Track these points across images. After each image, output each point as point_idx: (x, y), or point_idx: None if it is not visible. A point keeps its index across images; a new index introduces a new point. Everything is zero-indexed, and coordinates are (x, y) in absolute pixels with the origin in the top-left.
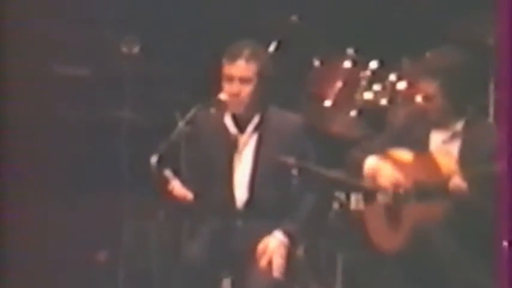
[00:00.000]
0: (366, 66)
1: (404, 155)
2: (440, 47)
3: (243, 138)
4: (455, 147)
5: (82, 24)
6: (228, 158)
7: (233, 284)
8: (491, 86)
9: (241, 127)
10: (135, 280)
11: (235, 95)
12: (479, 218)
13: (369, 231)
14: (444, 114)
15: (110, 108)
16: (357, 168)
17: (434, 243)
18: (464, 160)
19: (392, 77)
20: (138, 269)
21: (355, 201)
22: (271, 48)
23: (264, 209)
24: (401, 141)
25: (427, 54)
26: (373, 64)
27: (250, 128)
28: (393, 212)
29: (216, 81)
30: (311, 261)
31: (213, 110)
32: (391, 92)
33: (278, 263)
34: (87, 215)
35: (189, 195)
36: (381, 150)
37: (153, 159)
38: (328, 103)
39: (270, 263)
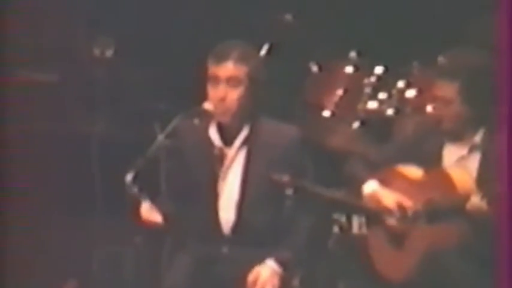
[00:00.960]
0: (370, 72)
1: (414, 171)
2: (457, 48)
3: (230, 153)
4: (473, 162)
5: (50, 24)
6: (213, 175)
7: None
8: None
9: (228, 140)
10: None
11: (221, 100)
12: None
13: (372, 258)
14: (461, 122)
15: (80, 119)
16: (359, 187)
17: (448, 270)
18: (484, 177)
19: (400, 83)
20: None
21: (358, 224)
22: (263, 51)
23: (254, 234)
24: (409, 156)
25: (443, 55)
26: (379, 69)
27: (238, 140)
28: (400, 236)
29: (200, 88)
30: None
31: (196, 121)
32: (398, 100)
33: None
34: (54, 240)
35: (157, 218)
36: (387, 167)
37: (129, 177)
38: (327, 113)
39: None
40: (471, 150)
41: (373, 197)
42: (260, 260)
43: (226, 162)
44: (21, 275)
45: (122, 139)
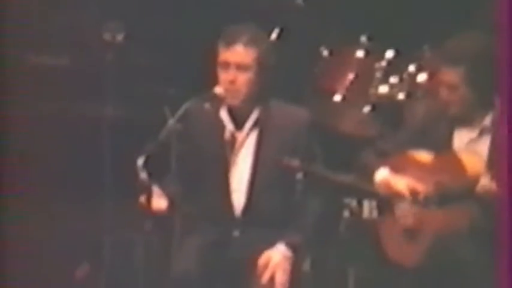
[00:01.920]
0: (381, 56)
1: (424, 156)
2: (464, 32)
3: (240, 136)
4: (484, 145)
5: (59, 8)
6: (224, 158)
7: None
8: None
9: (239, 123)
10: None
11: (231, 83)
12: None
13: (383, 243)
14: (470, 107)
15: (91, 103)
16: (370, 172)
17: (460, 254)
18: (495, 159)
19: (411, 67)
20: (121, 285)
21: (368, 209)
22: (274, 35)
23: (265, 218)
24: (420, 141)
25: (447, 41)
26: (389, 53)
27: (248, 123)
28: (411, 220)
29: (211, 73)
30: (318, 277)
31: (207, 106)
32: (409, 84)
33: (281, 279)
34: (65, 226)
35: (162, 205)
36: (398, 151)
37: (140, 161)
38: (338, 98)
39: (272, 279)
40: (481, 133)
41: (385, 184)
42: (271, 244)
43: (237, 145)
44: (34, 259)
45: (133, 124)
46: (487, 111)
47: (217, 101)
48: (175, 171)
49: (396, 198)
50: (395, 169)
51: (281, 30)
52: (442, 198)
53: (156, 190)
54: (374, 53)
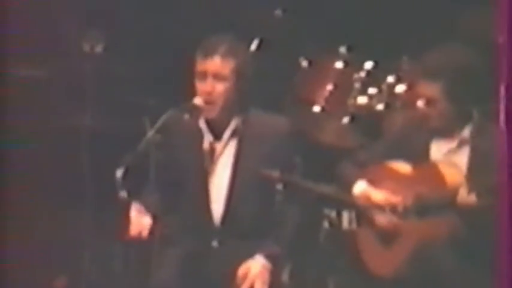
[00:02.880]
0: (360, 67)
1: (403, 167)
2: (444, 44)
3: (219, 146)
4: (462, 157)
5: (38, 18)
6: (204, 169)
7: None
8: (502, 87)
9: (217, 133)
10: None
11: (208, 94)
12: (489, 234)
13: (362, 253)
14: (448, 120)
15: (70, 114)
16: (349, 183)
17: (438, 264)
18: (473, 171)
19: (390, 78)
20: None
21: (348, 219)
22: (253, 46)
23: (244, 228)
24: (399, 151)
25: (425, 55)
26: (368, 64)
27: (227, 133)
28: (390, 231)
29: (190, 84)
30: (298, 287)
31: (186, 116)
32: (388, 95)
33: None
34: (44, 236)
35: (147, 221)
36: (377, 162)
37: (119, 173)
38: (317, 108)
39: None
40: (460, 144)
41: (364, 196)
42: (250, 255)
43: (216, 155)
44: (10, 272)
45: (112, 134)
46: (466, 123)
47: (196, 111)
48: (155, 182)
49: (375, 209)
50: (374, 181)
51: (261, 41)
52: (421, 209)
53: (137, 207)
54: (353, 64)
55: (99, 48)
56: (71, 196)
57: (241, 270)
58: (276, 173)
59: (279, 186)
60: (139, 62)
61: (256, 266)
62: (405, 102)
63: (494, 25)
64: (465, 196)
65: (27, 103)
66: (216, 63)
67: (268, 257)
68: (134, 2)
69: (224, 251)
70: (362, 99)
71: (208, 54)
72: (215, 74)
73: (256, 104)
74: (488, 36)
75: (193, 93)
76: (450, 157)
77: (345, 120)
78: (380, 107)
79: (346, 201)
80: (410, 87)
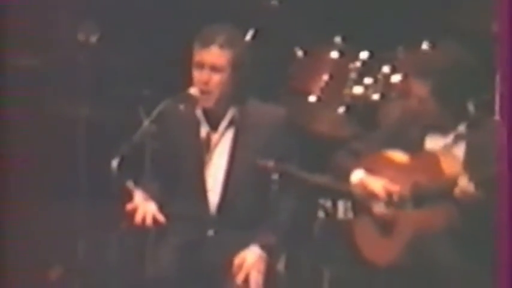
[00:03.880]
0: (355, 57)
1: (400, 156)
2: (436, 38)
3: (216, 135)
4: (459, 150)
5: (35, 10)
6: (200, 159)
7: None
8: (497, 79)
9: (214, 123)
10: None
11: (205, 84)
12: (487, 225)
13: (358, 243)
14: (440, 118)
15: (66, 104)
16: (345, 172)
17: (435, 254)
18: (471, 162)
19: (385, 68)
20: (96, 286)
21: (343, 209)
22: (249, 36)
23: (239, 217)
24: (395, 141)
25: (420, 51)
26: (364, 54)
27: (223, 123)
28: (386, 221)
29: (186, 73)
30: (293, 277)
31: (182, 107)
32: (384, 85)
33: (256, 279)
34: (38, 227)
35: (153, 208)
36: (373, 152)
37: (114, 163)
38: (312, 98)
39: (247, 279)
40: (456, 139)
41: (361, 185)
42: (245, 244)
43: (213, 144)
44: (7, 262)
45: (107, 124)
46: (460, 120)
47: (192, 101)
48: (151, 171)
49: (371, 199)
50: (371, 170)
51: (256, 31)
52: (419, 198)
53: (141, 194)
54: (348, 54)
55: (93, 39)
56: (66, 187)
57: (236, 260)
58: (271, 163)
59: (275, 176)
60: (134, 52)
61: (251, 256)
62: (401, 92)
63: (490, 18)
64: (463, 186)
65: (23, 92)
66: (213, 54)
67: (264, 246)
68: None
69: (220, 241)
70: (358, 89)
71: (206, 44)
72: (212, 64)
73: (252, 94)
74: (483, 29)
75: (188, 83)
76: (447, 148)
77: (341, 110)
78: (376, 97)
79: (342, 191)
80: (405, 77)
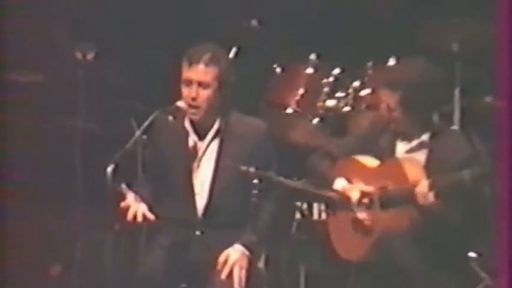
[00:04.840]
0: (328, 73)
1: (370, 161)
2: (402, 56)
3: (203, 145)
4: (422, 156)
5: (34, 28)
6: (188, 166)
7: None
8: (456, 93)
9: (201, 133)
10: None
11: (193, 99)
12: (445, 227)
13: (332, 242)
14: (407, 127)
15: (64, 116)
16: (319, 176)
17: (399, 252)
18: (432, 169)
19: (355, 83)
20: (93, 283)
21: (318, 211)
22: (232, 54)
23: (224, 219)
24: (365, 149)
25: (388, 67)
26: (336, 70)
27: (210, 134)
28: (358, 221)
29: (175, 88)
30: (272, 273)
31: (171, 118)
32: (354, 98)
33: (240, 275)
34: (39, 228)
35: (144, 209)
36: (344, 156)
37: (109, 170)
38: (289, 110)
39: (231, 275)
40: (420, 146)
41: (342, 192)
42: (230, 243)
43: (200, 153)
44: (9, 260)
45: (102, 134)
46: (424, 129)
47: (181, 113)
48: (143, 177)
49: (343, 201)
50: (344, 173)
51: (238, 49)
52: (385, 201)
53: (132, 195)
54: (322, 70)
55: (90, 56)
56: (65, 191)
57: (221, 257)
58: (252, 169)
59: (256, 182)
60: (128, 68)
61: (235, 253)
62: (369, 105)
63: (451, 37)
64: (424, 191)
65: (25, 105)
66: (200, 71)
67: (246, 245)
68: (123, 15)
69: (206, 240)
70: (330, 102)
71: (192, 62)
72: (199, 81)
73: (235, 107)
74: (444, 48)
75: (177, 97)
76: (411, 155)
77: (315, 121)
78: (346, 109)
79: (317, 195)
80: (374, 92)
